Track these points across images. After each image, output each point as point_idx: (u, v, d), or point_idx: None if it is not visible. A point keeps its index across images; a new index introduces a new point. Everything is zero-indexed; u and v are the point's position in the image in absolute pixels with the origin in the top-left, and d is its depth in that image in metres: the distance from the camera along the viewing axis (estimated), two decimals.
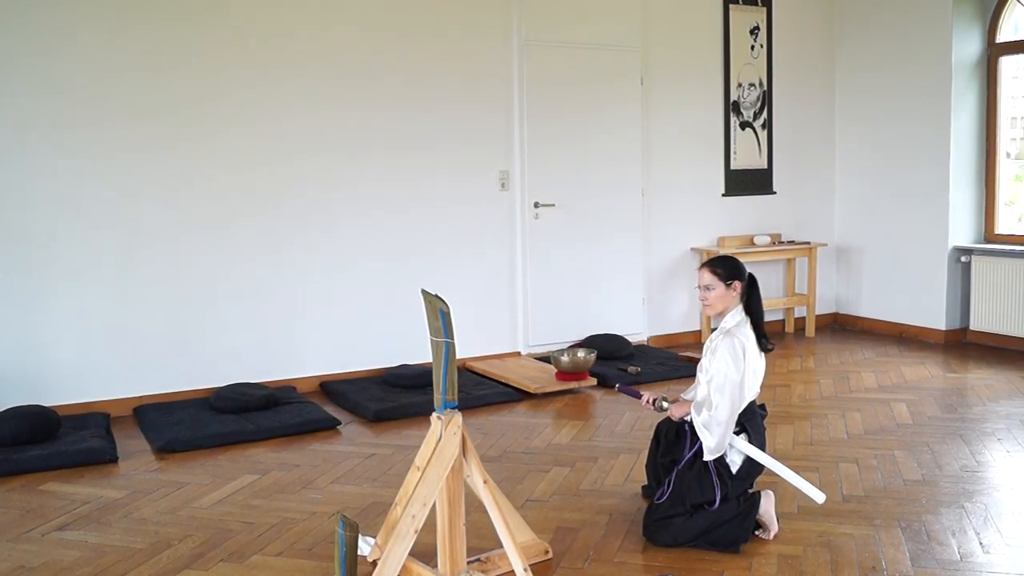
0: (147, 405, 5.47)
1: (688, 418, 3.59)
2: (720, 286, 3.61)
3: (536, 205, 6.73)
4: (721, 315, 3.65)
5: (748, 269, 3.71)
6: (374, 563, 3.26)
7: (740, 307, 3.63)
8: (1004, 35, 7.08)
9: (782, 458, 4.44)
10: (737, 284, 3.61)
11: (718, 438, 3.46)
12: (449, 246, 6.45)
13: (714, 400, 3.47)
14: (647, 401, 3.80)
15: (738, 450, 3.53)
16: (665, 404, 3.73)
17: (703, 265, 3.70)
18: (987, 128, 7.19)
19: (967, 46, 7.08)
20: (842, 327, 8.06)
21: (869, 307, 7.88)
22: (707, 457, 3.49)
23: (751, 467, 3.55)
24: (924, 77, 7.24)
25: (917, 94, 7.31)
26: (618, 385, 4.17)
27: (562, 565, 3.31)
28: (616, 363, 6.37)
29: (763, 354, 3.62)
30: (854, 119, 7.92)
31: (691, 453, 3.57)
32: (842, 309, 8.14)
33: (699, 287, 3.68)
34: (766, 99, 7.72)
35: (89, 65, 5.32)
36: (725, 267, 3.63)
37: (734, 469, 3.54)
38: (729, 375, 3.46)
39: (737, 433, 3.54)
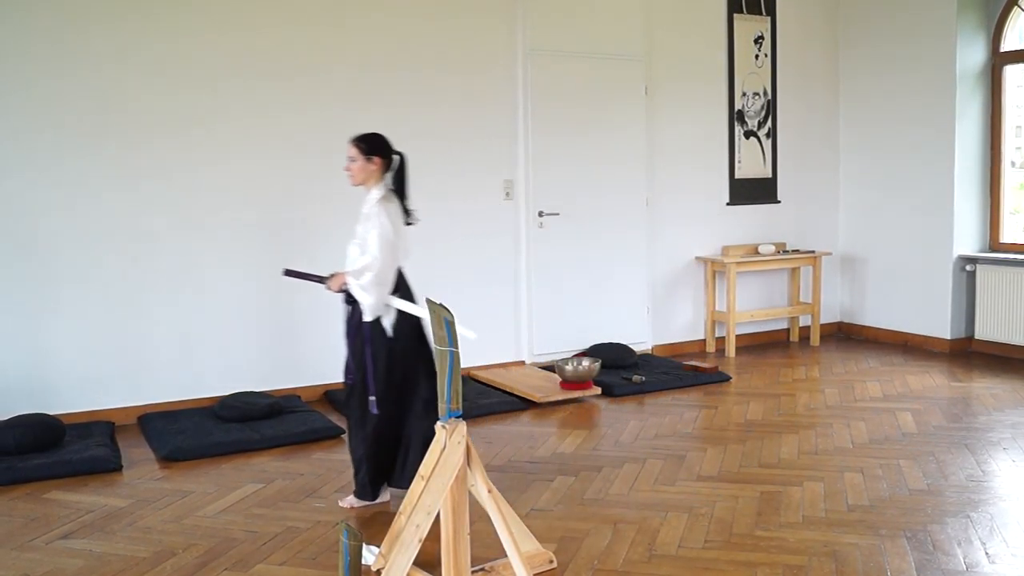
0: (151, 414, 5.46)
1: (346, 287, 3.92)
2: (361, 159, 3.95)
3: (541, 214, 6.74)
4: (365, 187, 3.98)
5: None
6: (378, 573, 3.26)
7: (385, 183, 3.99)
8: (1008, 44, 7.07)
9: (788, 468, 4.45)
10: (377, 159, 3.95)
11: (376, 296, 3.83)
12: (453, 255, 6.45)
13: (373, 258, 3.81)
14: (310, 278, 4.11)
15: (394, 310, 3.89)
16: (324, 278, 4.02)
17: (351, 139, 4.00)
18: (991, 137, 7.19)
19: (971, 55, 7.09)
20: (847, 336, 8.05)
21: (874, 316, 7.87)
22: (367, 317, 3.86)
23: (402, 327, 3.91)
24: (928, 86, 7.24)
25: (921, 103, 7.31)
26: (285, 270, 4.21)
27: (566, 575, 3.31)
28: (620, 372, 6.36)
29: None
30: (858, 128, 7.93)
31: (354, 329, 3.95)
32: (847, 318, 8.13)
33: (347, 158, 3.98)
34: (770, 108, 7.72)
35: (95, 74, 5.34)
36: (368, 142, 3.98)
37: (389, 331, 3.90)
38: (386, 234, 3.82)
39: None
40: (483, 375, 6.37)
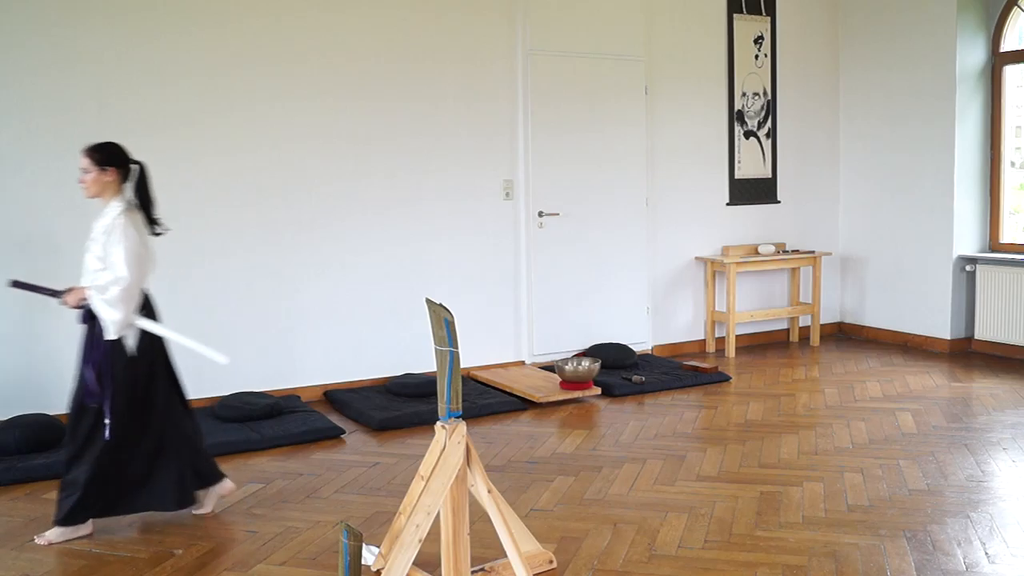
0: None
1: (85, 303, 3.69)
2: (95, 170, 3.74)
3: (540, 214, 6.74)
4: (103, 199, 3.77)
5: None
6: (378, 573, 3.26)
7: (124, 194, 3.78)
8: (1008, 44, 7.08)
9: (788, 468, 4.45)
10: (112, 170, 3.74)
11: (124, 313, 3.65)
12: (453, 255, 6.45)
13: (121, 274, 3.62)
14: (41, 291, 3.85)
15: (137, 328, 3.72)
16: (59, 292, 3.78)
17: (83, 150, 3.78)
18: (991, 137, 7.19)
19: (971, 55, 7.09)
20: (847, 336, 8.05)
21: (874, 316, 7.87)
22: (112, 335, 3.65)
23: (149, 347, 3.76)
24: (928, 86, 7.24)
25: (921, 103, 7.31)
26: (12, 281, 3.91)
27: (566, 575, 3.31)
28: (620, 372, 6.37)
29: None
30: (858, 128, 7.93)
31: (93, 348, 3.70)
32: (847, 318, 8.13)
33: (80, 169, 3.77)
34: (770, 108, 7.72)
35: (92, 75, 5.34)
36: (102, 152, 3.76)
37: (132, 350, 3.71)
38: (135, 248, 3.65)
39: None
40: (483, 375, 6.37)
